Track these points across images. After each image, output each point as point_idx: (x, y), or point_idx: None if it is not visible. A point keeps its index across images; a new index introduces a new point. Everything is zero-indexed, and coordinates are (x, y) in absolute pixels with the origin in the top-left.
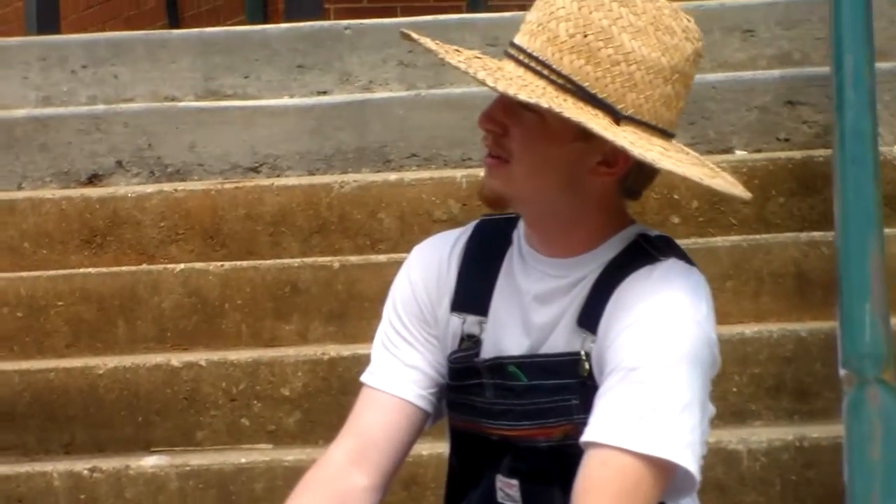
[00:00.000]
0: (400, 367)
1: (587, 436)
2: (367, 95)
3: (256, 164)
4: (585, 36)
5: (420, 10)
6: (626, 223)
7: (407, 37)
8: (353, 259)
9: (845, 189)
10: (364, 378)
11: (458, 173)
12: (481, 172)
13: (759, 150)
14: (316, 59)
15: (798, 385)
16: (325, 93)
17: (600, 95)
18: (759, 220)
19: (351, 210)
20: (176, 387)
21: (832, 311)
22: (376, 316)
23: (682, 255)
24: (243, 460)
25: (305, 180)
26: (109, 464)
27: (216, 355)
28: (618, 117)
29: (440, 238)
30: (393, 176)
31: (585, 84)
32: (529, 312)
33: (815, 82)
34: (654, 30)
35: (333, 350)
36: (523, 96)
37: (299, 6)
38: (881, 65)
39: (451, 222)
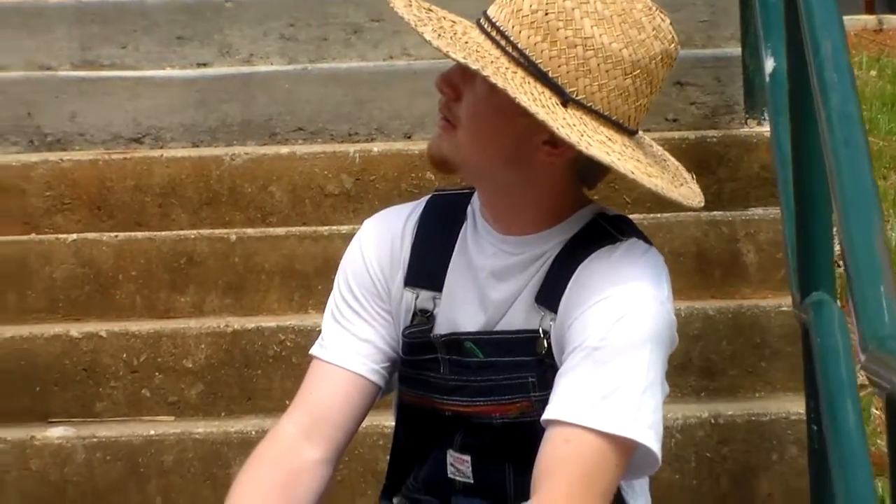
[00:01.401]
0: (352, 340)
1: (549, 413)
2: (253, 68)
3: (139, 135)
4: (546, 14)
5: None
6: (582, 203)
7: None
8: (251, 231)
9: (841, 172)
10: (315, 351)
11: (352, 148)
12: (374, 148)
13: (648, 130)
14: (195, 31)
15: (705, 363)
16: (204, 65)
17: (552, 75)
18: (652, 198)
19: (242, 183)
20: (75, 357)
21: (734, 289)
22: (273, 288)
23: (640, 234)
24: (152, 432)
25: (195, 152)
26: (14, 434)
27: (117, 326)
28: (565, 99)
29: (392, 212)
30: (285, 149)
31: (538, 61)
32: (485, 288)
33: (704, 63)
34: (621, 22)
35: (237, 322)
36: (469, 62)
37: None
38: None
39: (344, 196)
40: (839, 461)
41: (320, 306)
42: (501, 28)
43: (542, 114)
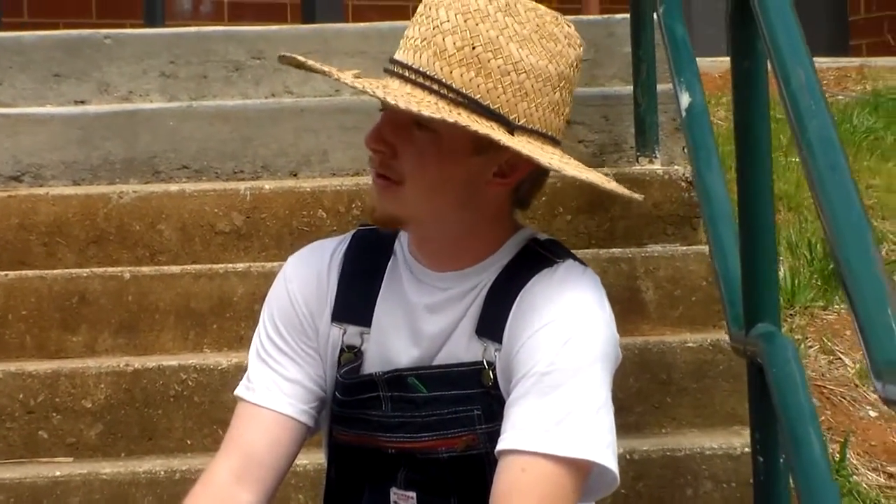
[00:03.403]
0: (279, 381)
1: (504, 444)
2: (137, 106)
3: (19, 173)
4: (474, 48)
5: (83, 24)
6: (515, 229)
7: (293, 62)
8: (145, 269)
9: (828, 198)
10: (241, 393)
11: (242, 185)
12: (265, 185)
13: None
14: (73, 68)
15: (614, 399)
16: (83, 102)
17: (493, 107)
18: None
19: (130, 221)
20: None
21: (633, 326)
22: (168, 327)
23: (573, 255)
24: (57, 473)
25: (82, 190)
26: None
27: (13, 366)
28: (511, 127)
29: (316, 248)
30: (174, 187)
31: (477, 96)
32: (418, 322)
33: (591, 102)
34: (539, 38)
35: (137, 362)
36: (425, 112)
37: None
38: (598, 90)
39: (234, 234)
40: (807, 490)
41: (216, 345)
42: (428, 72)
43: (526, 150)
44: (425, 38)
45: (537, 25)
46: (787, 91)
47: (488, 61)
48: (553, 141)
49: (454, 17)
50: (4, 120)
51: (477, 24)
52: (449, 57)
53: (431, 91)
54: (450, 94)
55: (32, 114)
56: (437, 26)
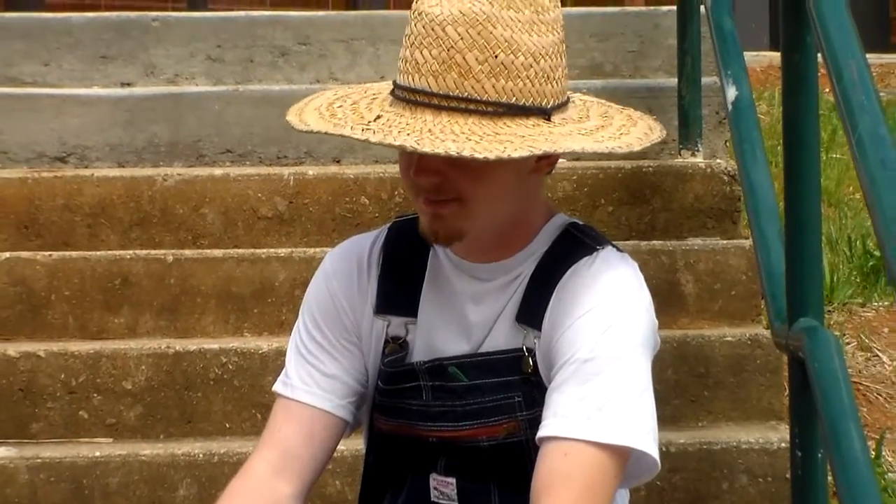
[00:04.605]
0: (317, 376)
1: (546, 431)
2: (183, 89)
3: (64, 154)
4: (496, 56)
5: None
6: (551, 213)
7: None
8: (188, 253)
9: (878, 194)
10: (279, 388)
11: (286, 171)
12: (308, 171)
13: (577, 159)
14: (120, 50)
15: None
16: (129, 84)
17: (528, 104)
18: None
19: (173, 204)
20: (11, 377)
21: (671, 319)
22: (209, 311)
23: (609, 241)
24: (97, 454)
25: (127, 172)
26: None
27: (55, 346)
28: (548, 114)
29: (355, 242)
30: (218, 171)
31: (513, 100)
32: (465, 312)
33: (636, 94)
34: (536, 15)
35: (178, 344)
36: (491, 155)
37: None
38: (643, 82)
39: (277, 219)
40: (846, 486)
41: (256, 329)
42: (460, 94)
43: (578, 146)
44: (444, 62)
45: (529, 3)
46: (838, 86)
47: (512, 63)
48: (569, 103)
49: (466, 33)
50: (51, 101)
51: (490, 32)
52: (476, 73)
53: (469, 112)
54: (488, 109)
55: (79, 95)
56: (452, 46)
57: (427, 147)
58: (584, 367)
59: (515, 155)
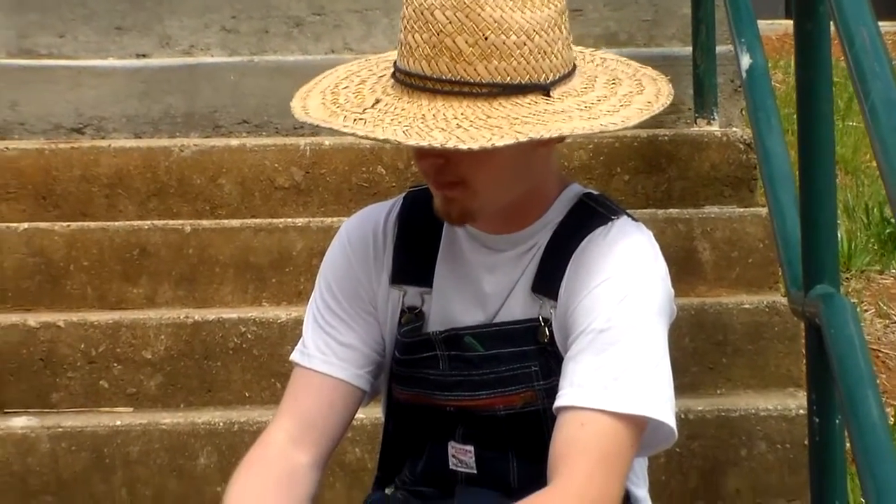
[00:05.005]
0: (334, 346)
1: (563, 400)
2: (198, 59)
3: (81, 126)
4: (486, 38)
5: None
6: (564, 183)
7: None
8: (205, 223)
9: (890, 160)
10: (297, 358)
11: (302, 141)
12: (325, 141)
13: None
14: (135, 21)
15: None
16: (144, 56)
17: (524, 81)
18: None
19: (190, 175)
20: (32, 347)
21: (689, 287)
22: (228, 281)
23: (625, 212)
24: (118, 423)
25: (143, 143)
26: None
27: (75, 316)
28: (546, 89)
29: (370, 212)
30: (234, 141)
31: (507, 79)
32: (479, 282)
33: (652, 62)
34: None
35: (197, 314)
36: (475, 145)
37: None
38: (658, 50)
39: (294, 189)
40: (864, 451)
41: (275, 299)
42: (453, 78)
43: (577, 127)
44: (434, 46)
45: None
46: (850, 52)
47: (503, 43)
48: (573, 72)
49: (454, 17)
50: (67, 72)
51: (479, 14)
52: (467, 56)
53: (464, 95)
54: (483, 91)
55: (95, 66)
56: (441, 30)
57: (413, 139)
58: (601, 336)
59: (500, 144)
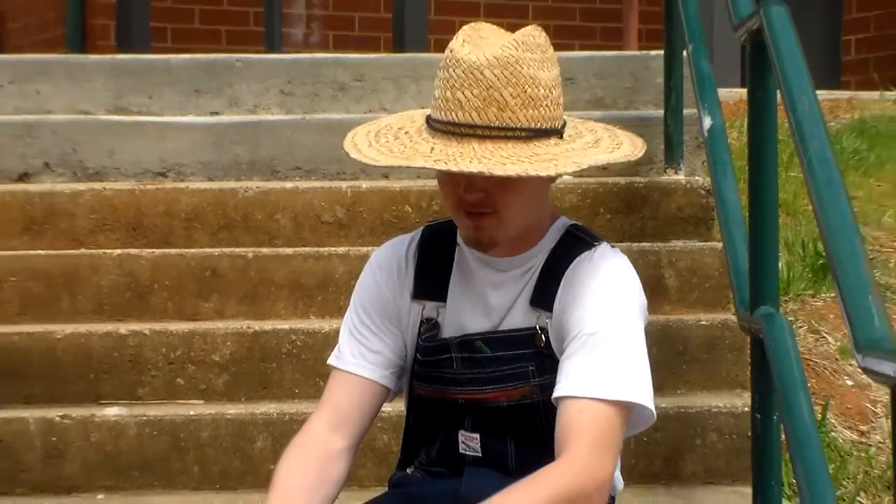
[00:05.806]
0: (365, 352)
1: (562, 391)
2: (260, 117)
3: (165, 170)
4: (525, 91)
5: (215, 50)
6: (555, 216)
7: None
8: (265, 251)
9: (824, 207)
10: (333, 361)
11: (344, 184)
12: (362, 184)
13: (580, 176)
14: (210, 85)
15: None
16: (217, 113)
17: (547, 127)
18: None
19: (253, 211)
20: (123, 351)
21: (657, 307)
22: (282, 298)
23: (605, 240)
24: (191, 413)
25: (214, 185)
26: (77, 412)
27: (157, 326)
28: (560, 133)
29: (395, 243)
30: (289, 184)
31: (538, 125)
32: (486, 297)
33: (630, 123)
34: (542, 53)
35: (256, 325)
36: (543, 173)
37: (129, 39)
38: (635, 113)
39: (337, 224)
40: (796, 442)
41: (320, 314)
42: (500, 125)
43: (591, 160)
44: (485, 99)
45: (537, 45)
46: (793, 117)
47: (536, 94)
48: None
49: (501, 74)
50: (154, 127)
51: (519, 71)
52: (512, 107)
53: (507, 139)
54: (523, 134)
55: (176, 122)
56: (491, 85)
57: (498, 171)
58: (591, 339)
59: (544, 174)
